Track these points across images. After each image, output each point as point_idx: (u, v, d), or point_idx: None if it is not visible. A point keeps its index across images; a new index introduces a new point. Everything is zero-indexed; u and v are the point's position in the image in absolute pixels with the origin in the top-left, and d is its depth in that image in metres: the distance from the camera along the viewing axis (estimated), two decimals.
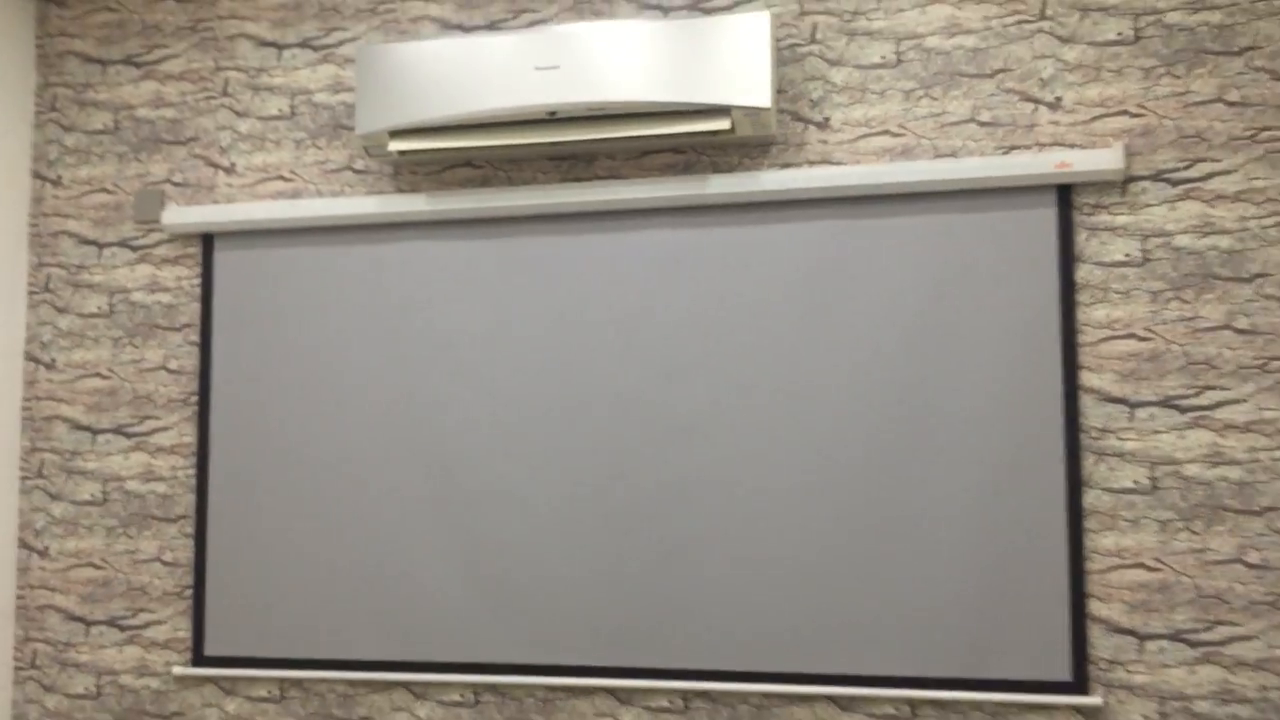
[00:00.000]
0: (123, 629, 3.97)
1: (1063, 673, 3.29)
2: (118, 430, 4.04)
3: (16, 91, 4.15)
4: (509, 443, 3.71)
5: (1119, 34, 3.43)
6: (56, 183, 4.18)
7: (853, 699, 3.43)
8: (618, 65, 3.47)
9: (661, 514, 3.59)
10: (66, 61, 4.21)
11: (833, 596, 3.45)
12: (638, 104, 3.46)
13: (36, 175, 4.21)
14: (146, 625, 3.95)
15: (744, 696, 3.50)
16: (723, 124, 3.46)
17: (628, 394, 3.65)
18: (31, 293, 4.17)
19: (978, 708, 3.35)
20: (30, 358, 4.14)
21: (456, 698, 3.70)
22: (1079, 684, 3.27)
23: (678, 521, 3.57)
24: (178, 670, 3.85)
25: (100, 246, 4.12)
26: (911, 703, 3.40)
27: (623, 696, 3.59)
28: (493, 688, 3.67)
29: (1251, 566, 3.22)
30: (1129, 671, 3.28)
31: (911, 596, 3.40)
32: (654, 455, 3.61)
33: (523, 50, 3.54)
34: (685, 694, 3.54)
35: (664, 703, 3.56)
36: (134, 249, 4.09)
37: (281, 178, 4.00)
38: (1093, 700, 3.24)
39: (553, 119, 3.58)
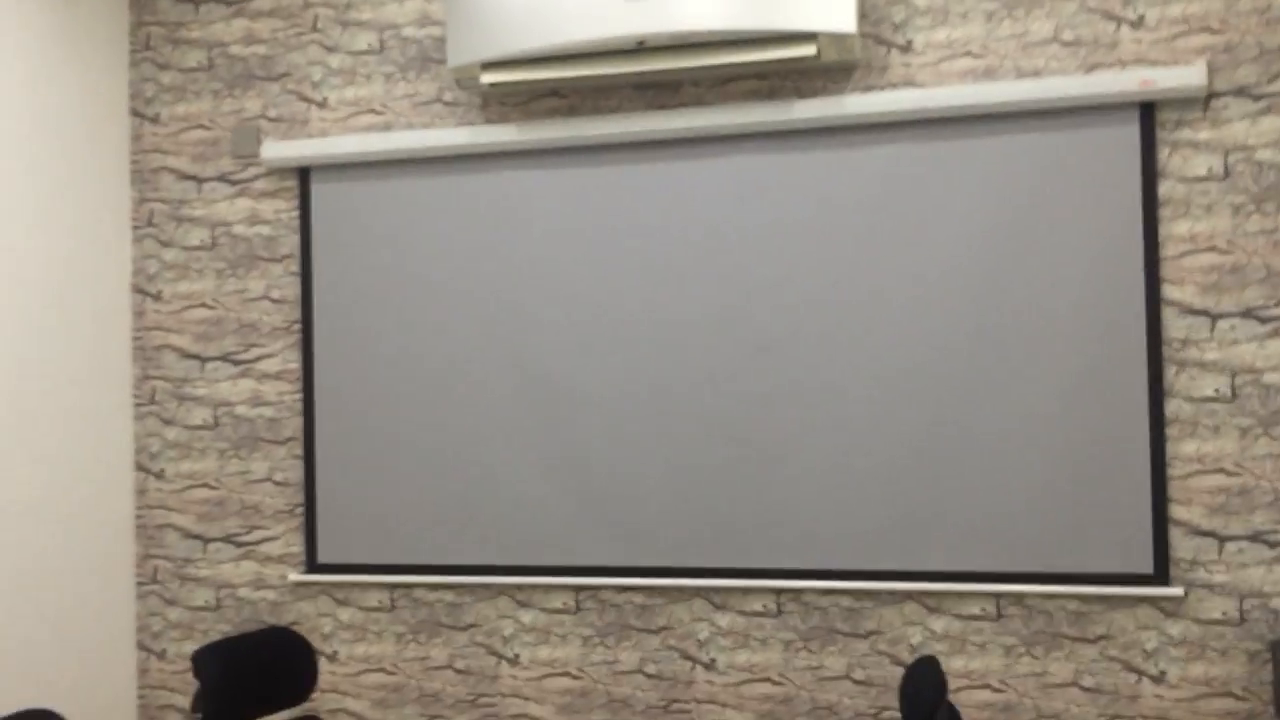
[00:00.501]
0: (238, 545, 4.20)
1: (1144, 566, 3.44)
2: (225, 358, 4.23)
3: (111, 31, 4.28)
4: (601, 357, 3.87)
5: None
6: (155, 120, 4.33)
7: (942, 596, 3.61)
8: None
9: (751, 421, 3.74)
10: (158, 1, 4.33)
11: (921, 497, 3.61)
12: (725, 32, 3.54)
13: (134, 113, 4.35)
14: (261, 541, 4.17)
15: (835, 598, 3.68)
16: (808, 50, 3.55)
17: (714, 309, 3.79)
18: (135, 227, 4.34)
19: (1061, 605, 3.52)
20: (138, 290, 4.33)
21: (558, 604, 3.91)
22: (1160, 577, 3.43)
23: (767, 428, 3.73)
24: (293, 577, 4.08)
25: (200, 181, 4.28)
26: (998, 598, 3.57)
27: (717, 601, 3.78)
28: (593, 594, 3.87)
29: None
30: (1209, 571, 3.43)
31: (997, 498, 3.55)
32: (743, 364, 3.76)
33: None
34: (778, 593, 3.73)
35: (757, 606, 3.75)
36: (233, 183, 4.24)
37: (373, 111, 4.12)
38: (1174, 590, 3.40)
39: (641, 49, 3.67)
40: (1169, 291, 3.48)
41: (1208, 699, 3.42)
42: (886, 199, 3.67)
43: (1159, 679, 3.46)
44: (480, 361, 3.97)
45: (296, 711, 3.81)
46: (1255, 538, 3.40)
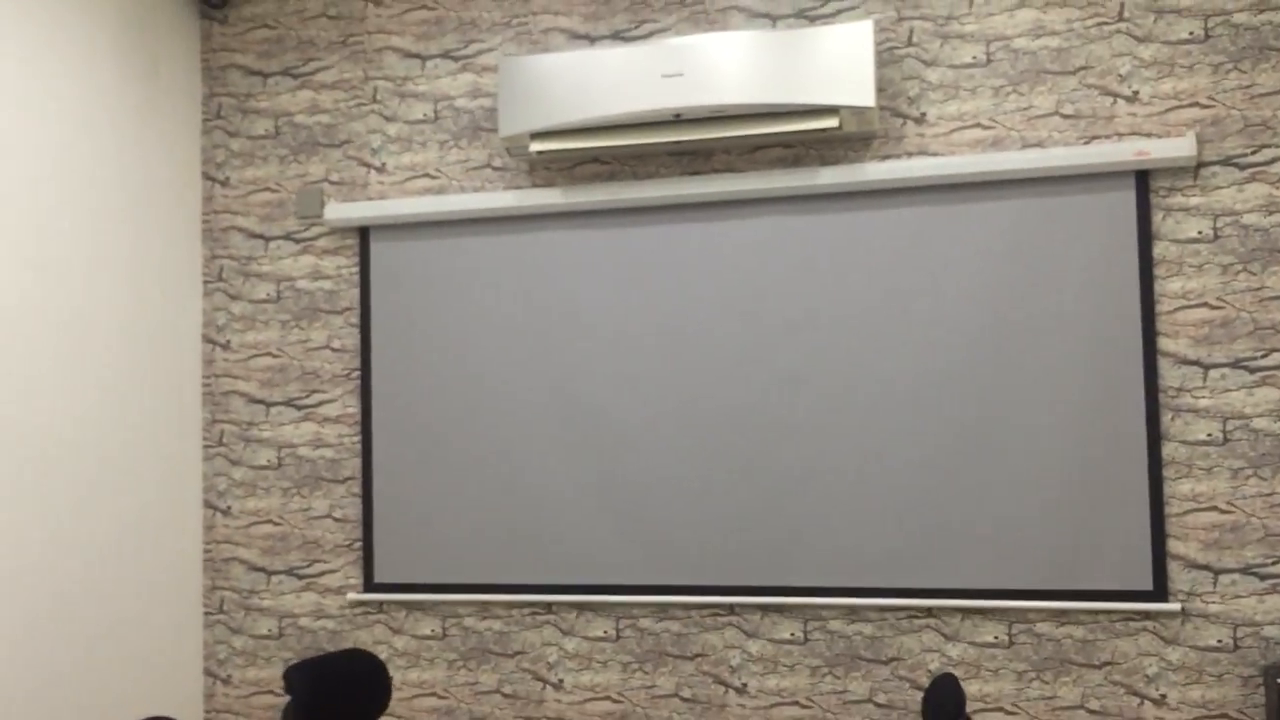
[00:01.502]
0: (300, 577, 4.50)
1: (1145, 585, 3.72)
2: (288, 403, 4.56)
3: (185, 101, 4.65)
4: (639, 396, 4.19)
5: (1190, 33, 3.81)
6: (225, 183, 4.69)
7: (959, 625, 3.89)
8: (736, 71, 3.90)
9: (775, 451, 4.06)
10: (229, 74, 4.70)
11: (935, 523, 3.91)
12: (755, 105, 3.89)
13: (206, 176, 4.71)
14: (321, 574, 4.48)
15: (859, 627, 3.97)
16: (831, 122, 3.89)
17: (743, 352, 4.11)
18: (206, 282, 4.68)
19: (1069, 634, 3.80)
20: (208, 340, 4.67)
21: (599, 633, 4.20)
22: (1159, 594, 3.71)
23: (790, 458, 4.04)
24: (352, 596, 4.39)
25: (267, 240, 4.63)
26: (1010, 624, 3.86)
27: (748, 628, 4.07)
28: (632, 622, 4.16)
29: None
30: (1204, 601, 3.71)
31: (1007, 528, 3.84)
32: (769, 400, 4.08)
33: (649, 60, 3.98)
34: (805, 621, 4.01)
35: (786, 634, 4.03)
36: (297, 241, 4.59)
37: (428, 175, 4.47)
38: (1172, 606, 3.68)
39: (678, 120, 4.02)
40: (1164, 344, 3.79)
41: None
42: (904, 256, 4.00)
43: (1160, 702, 3.73)
44: (526, 406, 4.29)
45: None
46: (1247, 570, 3.69)
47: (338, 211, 4.47)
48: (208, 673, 4.58)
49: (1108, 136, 3.87)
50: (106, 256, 4.19)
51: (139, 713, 4.23)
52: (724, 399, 4.13)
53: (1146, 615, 3.74)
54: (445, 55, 4.48)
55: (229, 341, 4.65)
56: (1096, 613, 3.77)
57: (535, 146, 4.12)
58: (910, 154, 4.03)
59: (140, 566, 4.28)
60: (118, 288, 4.24)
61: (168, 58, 4.55)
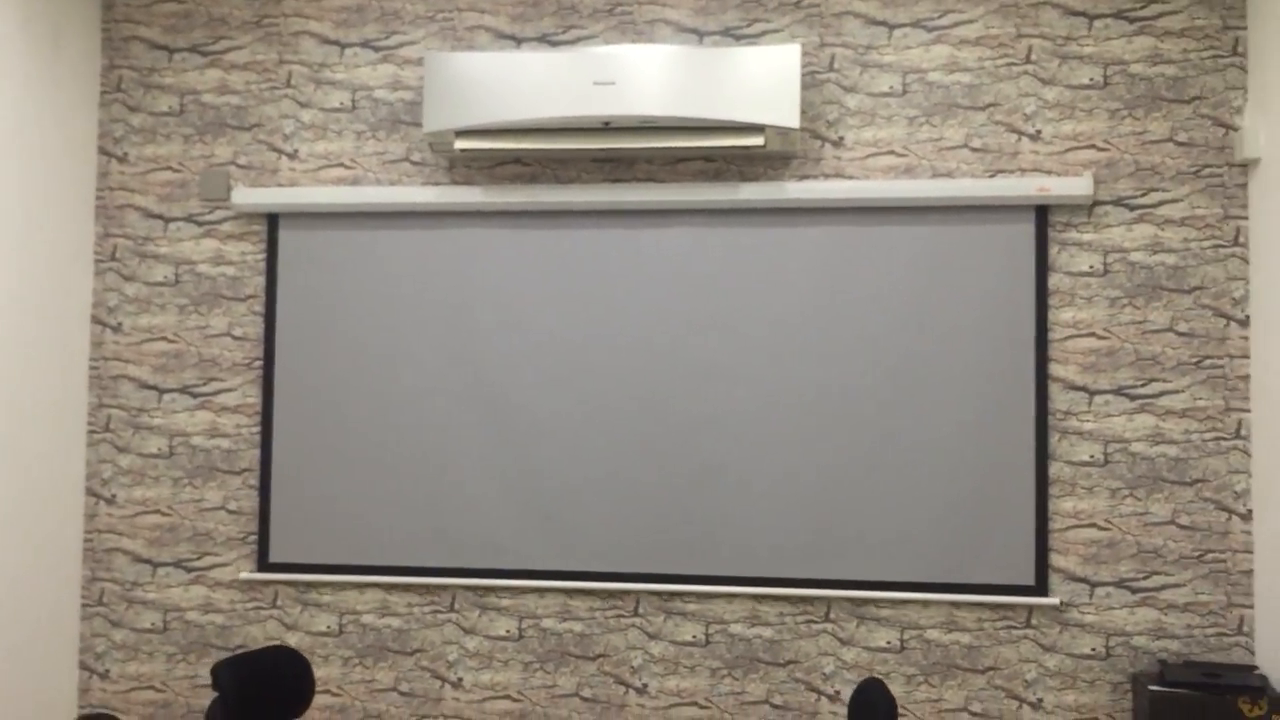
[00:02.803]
0: (188, 570, 4.38)
1: (1028, 580, 3.97)
2: (183, 390, 4.43)
3: (82, 71, 4.46)
4: (553, 392, 4.22)
5: (1090, 79, 4.07)
6: (123, 159, 4.52)
7: (854, 629, 4.06)
8: (667, 84, 3.97)
9: (688, 447, 4.15)
10: (132, 46, 4.53)
11: (836, 522, 4.07)
12: (685, 119, 3.97)
13: (103, 151, 4.53)
14: (211, 566, 4.37)
15: (758, 630, 4.10)
16: (757, 140, 4.01)
17: (657, 352, 4.19)
18: (98, 260, 4.50)
19: (956, 640, 4.01)
20: (97, 321, 4.49)
21: (502, 632, 4.21)
22: (1040, 589, 3.96)
23: (703, 453, 4.15)
24: (243, 575, 4.29)
25: (166, 220, 4.48)
26: (902, 630, 4.04)
27: (651, 630, 4.15)
28: (535, 622, 4.19)
29: (1183, 528, 3.93)
30: (1081, 612, 3.97)
31: (903, 526, 4.03)
32: (680, 400, 4.17)
33: (581, 66, 4.02)
34: (707, 624, 4.12)
35: (688, 636, 4.13)
36: (199, 224, 4.46)
37: (342, 165, 4.41)
38: (1051, 600, 3.93)
39: (606, 128, 4.07)
40: (1055, 369, 4.03)
41: None
42: (816, 272, 4.14)
43: (1037, 706, 3.97)
44: (437, 398, 4.27)
45: None
46: (1120, 584, 3.96)
47: (246, 196, 4.36)
48: (83, 666, 4.40)
49: (1011, 171, 4.09)
50: None
51: (7, 706, 4.04)
52: (636, 396, 4.20)
53: (1029, 610, 3.98)
54: (365, 45, 4.42)
55: (120, 324, 4.48)
56: (983, 607, 3.99)
57: (460, 144, 4.11)
58: (827, 175, 4.18)
59: (12, 554, 4.08)
60: (3, 263, 4.04)
61: (69, 26, 4.36)
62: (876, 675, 3.03)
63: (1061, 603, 3.96)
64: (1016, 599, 3.96)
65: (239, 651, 2.93)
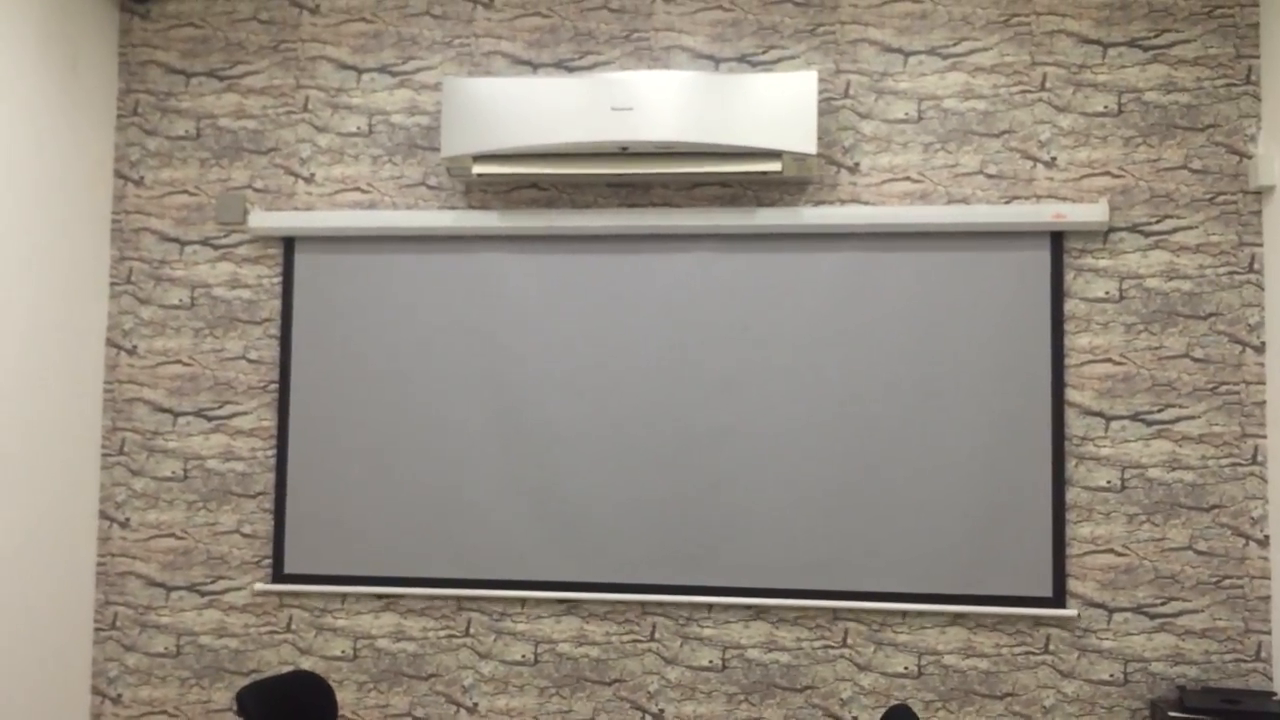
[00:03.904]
0: (202, 594, 4.36)
1: (1045, 591, 3.96)
2: (198, 413, 4.42)
3: (99, 95, 4.47)
4: (570, 420, 4.22)
5: (1105, 107, 4.09)
6: (139, 183, 4.53)
7: (871, 655, 4.05)
8: (684, 109, 3.99)
9: (704, 464, 4.15)
10: (149, 70, 4.55)
11: (849, 541, 4.07)
12: (702, 145, 3.99)
13: (119, 175, 4.54)
14: (225, 591, 4.35)
15: (775, 655, 4.09)
16: (774, 166, 4.03)
17: (676, 372, 4.19)
18: (114, 284, 4.50)
19: (974, 665, 4.00)
20: (112, 344, 4.49)
21: (518, 657, 4.20)
22: (1058, 601, 3.95)
23: (718, 470, 4.15)
24: (259, 586, 4.28)
25: (182, 244, 4.49)
26: (920, 656, 4.03)
27: (668, 655, 4.14)
28: (551, 647, 4.18)
29: (1200, 553, 3.94)
30: (1099, 638, 3.96)
31: (917, 564, 4.03)
32: (698, 420, 4.17)
33: (598, 92, 4.04)
34: (724, 649, 4.11)
35: (704, 661, 4.12)
36: (215, 248, 4.47)
37: (359, 189, 4.42)
38: (1069, 612, 3.92)
39: (623, 153, 4.09)
40: (1071, 395, 4.04)
41: None
42: (832, 297, 4.16)
43: None
44: (455, 423, 4.27)
45: None
46: (1138, 610, 3.96)
47: (262, 220, 4.37)
48: (95, 691, 4.38)
49: (1027, 198, 4.11)
50: (8, 253, 3.99)
51: None
52: (651, 417, 4.20)
53: (1046, 637, 3.97)
54: (383, 70, 4.44)
55: (135, 347, 4.48)
56: (1001, 631, 3.99)
57: (478, 169, 4.13)
58: (843, 201, 4.20)
59: (26, 578, 4.07)
60: (17, 284, 4.04)
61: (87, 50, 4.37)
62: (902, 702, 3.03)
63: (1079, 614, 3.95)
64: (1033, 610, 3.96)
65: (263, 676, 2.91)
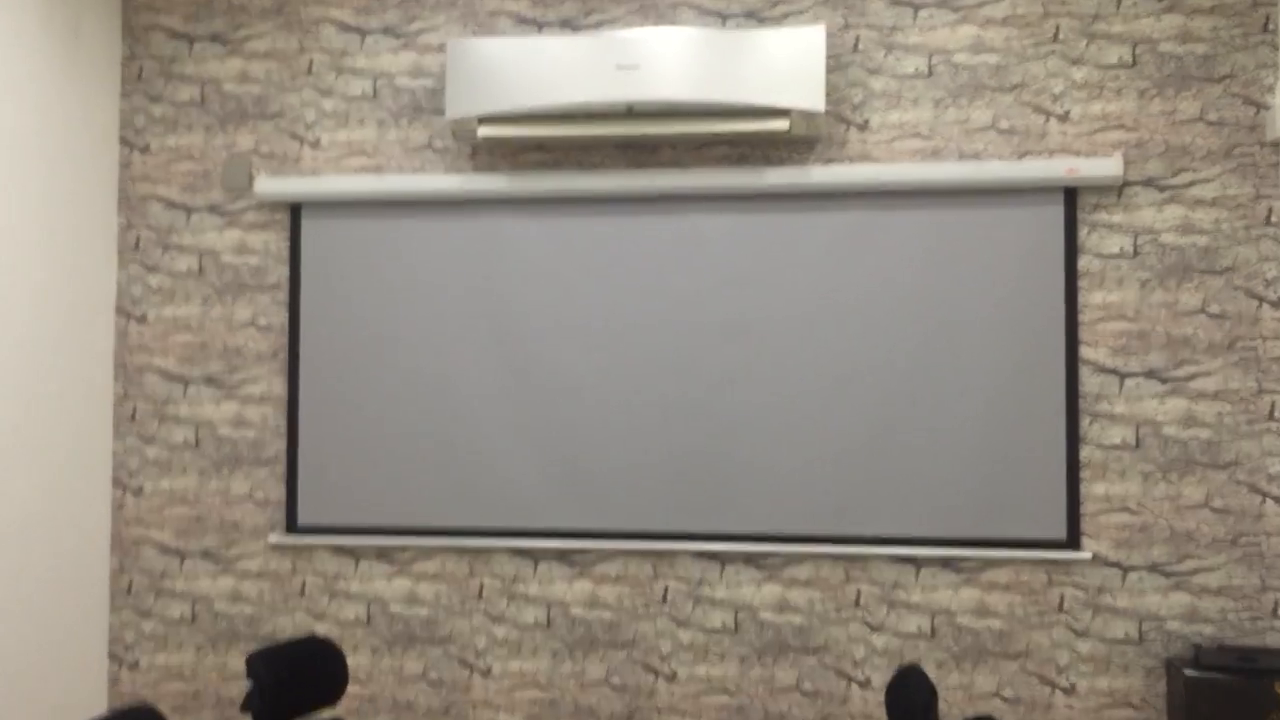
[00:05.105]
0: (216, 561, 4.38)
1: (1059, 533, 3.94)
2: (208, 380, 4.42)
3: (103, 62, 4.44)
4: (582, 371, 4.20)
5: (1119, 58, 4.02)
6: (145, 150, 4.51)
7: (884, 616, 4.04)
8: (690, 67, 3.94)
9: (714, 406, 4.13)
10: (152, 36, 4.51)
11: (859, 505, 4.05)
12: (710, 104, 3.94)
13: (124, 142, 4.52)
14: (238, 558, 4.37)
15: (788, 617, 4.08)
16: (782, 124, 3.97)
17: (685, 332, 4.17)
18: (121, 252, 4.50)
19: (988, 625, 3.99)
20: (121, 312, 4.48)
21: (530, 620, 4.21)
22: (1073, 543, 3.93)
23: (729, 413, 4.12)
24: (273, 539, 4.30)
25: (189, 211, 4.47)
26: (933, 616, 4.02)
27: (680, 618, 4.14)
28: (563, 609, 4.18)
29: (1216, 511, 3.90)
30: (1114, 597, 3.94)
31: (931, 514, 4.01)
32: (708, 353, 4.14)
33: (604, 51, 3.99)
34: (736, 611, 4.11)
35: (716, 624, 4.12)
36: (222, 214, 4.45)
37: (364, 153, 4.39)
38: (1083, 554, 3.90)
39: (629, 113, 4.04)
40: (1085, 352, 4.00)
41: (1110, 709, 3.93)
42: (843, 256, 4.11)
43: (1070, 690, 3.95)
44: (466, 387, 4.26)
45: (328, 713, 4.02)
46: (1153, 569, 3.93)
47: (268, 186, 4.35)
48: (113, 657, 4.41)
49: (1040, 153, 4.05)
50: (16, 223, 3.99)
51: (38, 699, 4.05)
52: (661, 373, 4.17)
53: (1061, 595, 3.95)
54: (386, 32, 4.40)
55: (145, 315, 4.47)
56: (1014, 591, 3.97)
57: (483, 131, 4.09)
58: (853, 159, 4.14)
59: (41, 548, 4.09)
60: (26, 255, 4.03)
61: (89, 16, 4.34)
62: (914, 663, 3.01)
63: (1094, 555, 3.92)
64: (1048, 553, 3.93)
65: (273, 642, 2.92)
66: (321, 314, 4.35)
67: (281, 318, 4.40)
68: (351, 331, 4.33)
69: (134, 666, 4.40)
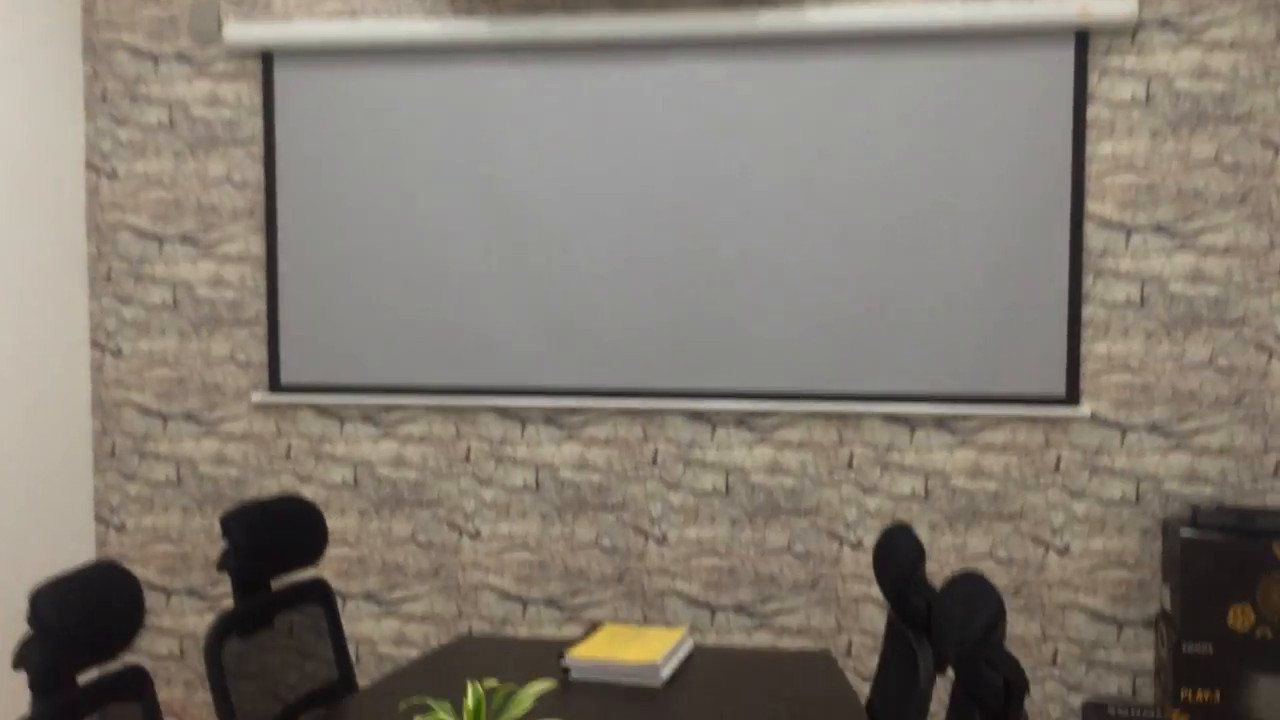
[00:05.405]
0: (200, 423, 4.30)
1: (1057, 389, 3.86)
2: (184, 239, 4.28)
3: None
4: (571, 215, 4.07)
5: None
6: None
7: (877, 478, 3.97)
8: None
9: (706, 259, 4.00)
10: None
11: (856, 358, 3.95)
12: None
13: None
14: (221, 421, 4.29)
15: (780, 479, 4.02)
16: None
17: (678, 178, 4.01)
18: (88, 104, 4.31)
19: (982, 487, 3.92)
20: (91, 167, 4.32)
21: (518, 483, 4.15)
22: (1072, 398, 3.85)
23: (722, 266, 4.00)
24: (257, 397, 4.23)
25: (156, 60, 4.27)
26: (926, 477, 3.95)
27: (670, 480, 4.08)
28: (552, 472, 4.12)
29: (1220, 370, 3.79)
30: (1111, 457, 3.86)
31: (927, 366, 3.91)
32: (701, 205, 4.00)
33: None
34: (727, 473, 4.04)
35: (707, 486, 4.06)
36: (191, 63, 4.25)
37: None
38: (1082, 410, 3.83)
39: None
40: (1091, 206, 3.84)
41: (1104, 569, 3.88)
42: (839, 104, 3.92)
43: (1064, 551, 3.90)
44: (449, 236, 4.12)
45: (309, 572, 3.98)
46: (1153, 429, 3.84)
47: (238, 32, 4.13)
48: (99, 519, 4.38)
49: None
50: None
51: (26, 561, 4.03)
52: (654, 217, 4.03)
53: (1058, 456, 3.88)
54: None
55: (115, 170, 4.31)
56: (1010, 452, 3.89)
57: None
58: (851, 1, 3.92)
59: (23, 409, 4.01)
60: None
61: None
62: (903, 522, 2.94)
63: (1092, 413, 3.84)
64: (1046, 409, 3.85)
65: (248, 501, 2.85)
66: (298, 169, 4.19)
67: (257, 173, 4.23)
68: (330, 186, 4.17)
69: (121, 529, 4.36)
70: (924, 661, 2.34)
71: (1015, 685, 1.76)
